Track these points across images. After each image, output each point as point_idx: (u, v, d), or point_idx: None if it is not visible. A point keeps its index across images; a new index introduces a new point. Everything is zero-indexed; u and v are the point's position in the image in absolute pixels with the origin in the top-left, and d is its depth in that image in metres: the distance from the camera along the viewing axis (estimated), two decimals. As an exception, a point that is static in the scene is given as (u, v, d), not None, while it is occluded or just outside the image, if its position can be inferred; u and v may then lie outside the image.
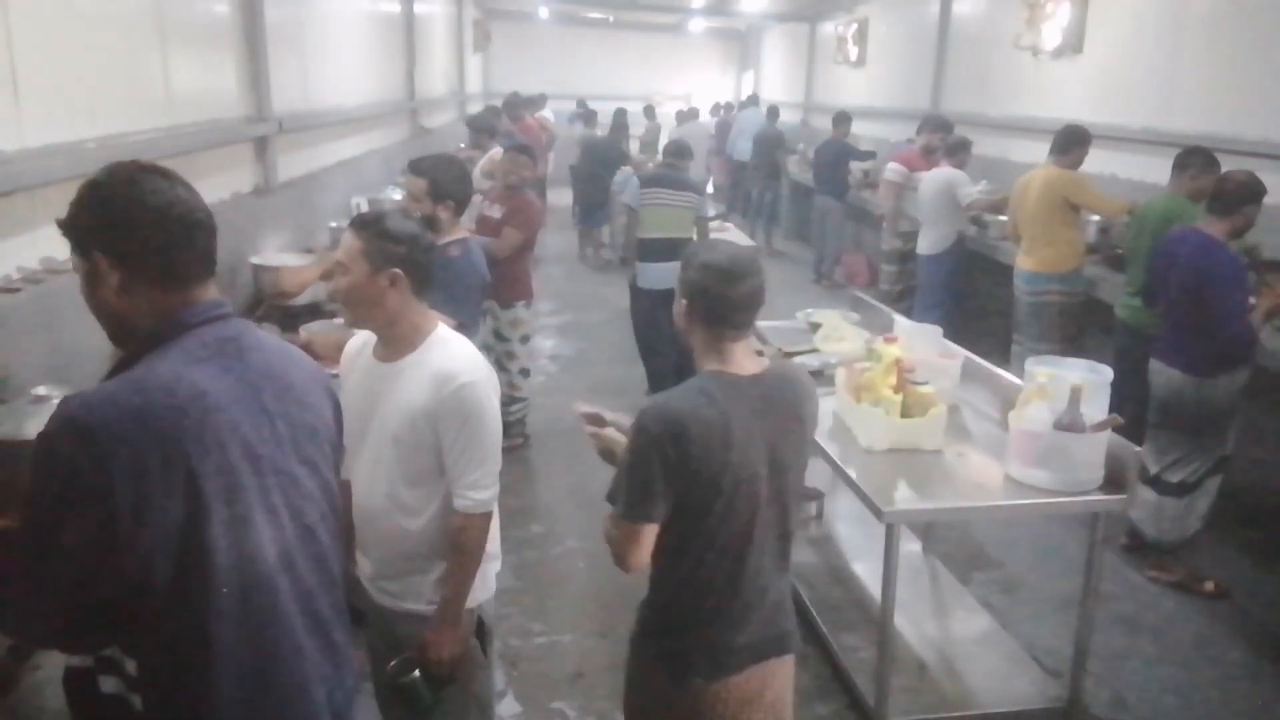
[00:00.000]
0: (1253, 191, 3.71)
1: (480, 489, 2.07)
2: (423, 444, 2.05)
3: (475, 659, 2.19)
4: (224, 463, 1.33)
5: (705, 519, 1.85)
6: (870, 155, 9.34)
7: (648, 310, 5.37)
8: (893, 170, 7.11)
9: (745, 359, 1.94)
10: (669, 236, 5.23)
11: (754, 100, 13.74)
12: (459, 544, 2.06)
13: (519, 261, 4.81)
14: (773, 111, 11.67)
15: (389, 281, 2.03)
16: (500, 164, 4.86)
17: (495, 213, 4.79)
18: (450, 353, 2.08)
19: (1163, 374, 3.81)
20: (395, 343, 2.09)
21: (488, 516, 2.11)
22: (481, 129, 7.31)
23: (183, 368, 1.34)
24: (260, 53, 4.57)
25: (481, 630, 2.20)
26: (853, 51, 11.55)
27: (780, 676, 2.11)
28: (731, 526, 1.87)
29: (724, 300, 1.87)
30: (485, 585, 2.21)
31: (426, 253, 2.12)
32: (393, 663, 2.08)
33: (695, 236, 5.32)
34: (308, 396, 1.53)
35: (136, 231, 1.36)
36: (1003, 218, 5.99)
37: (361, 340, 2.22)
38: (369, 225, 2.06)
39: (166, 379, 1.32)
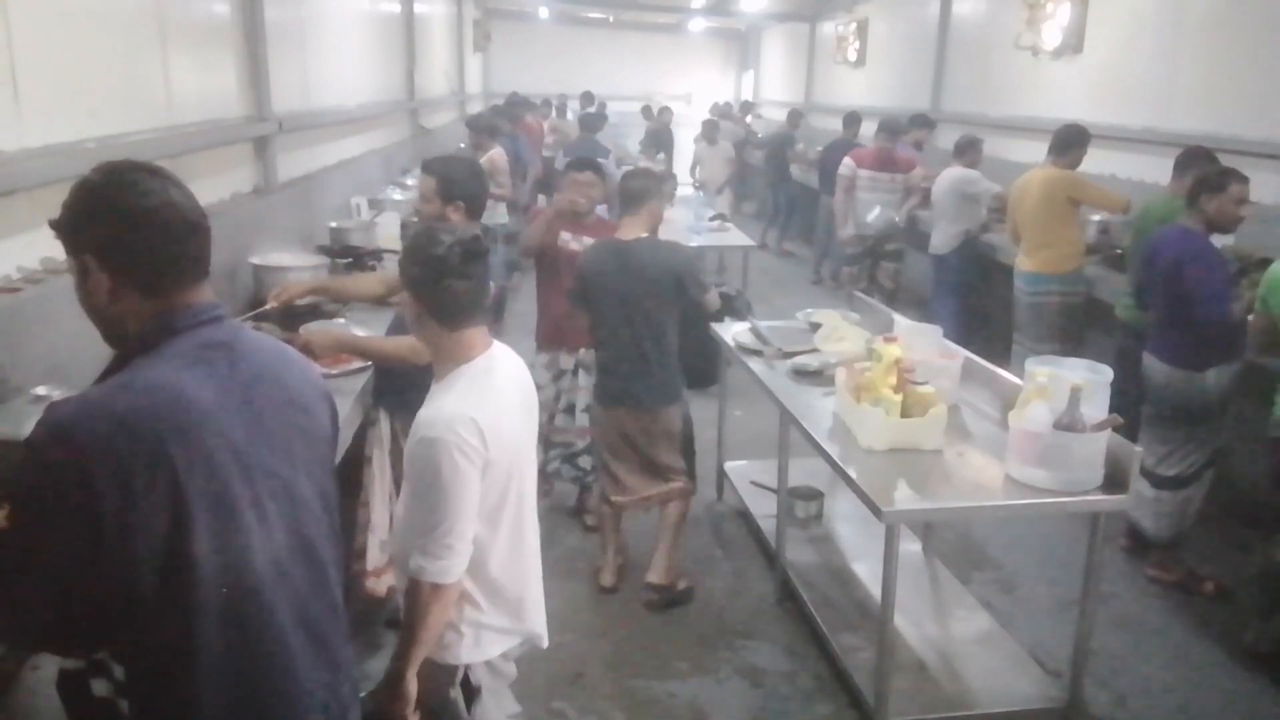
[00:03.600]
0: (1207, 183, 3.71)
1: (431, 556, 1.85)
2: (409, 490, 1.98)
3: (455, 715, 2.05)
4: (211, 470, 1.30)
5: (597, 316, 3.54)
6: None
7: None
8: (844, 165, 7.19)
9: (632, 232, 3.53)
10: None
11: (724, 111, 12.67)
12: (405, 608, 1.91)
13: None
14: (794, 116, 11.69)
15: (415, 311, 1.97)
16: (567, 190, 4.19)
17: None
18: (443, 399, 1.92)
19: (1153, 368, 3.82)
20: (437, 372, 2.03)
21: (437, 589, 1.87)
22: (481, 129, 7.30)
23: (170, 373, 1.31)
24: (260, 53, 4.57)
25: (468, 689, 2.06)
26: (853, 51, 11.56)
27: (631, 421, 3.58)
28: (608, 320, 3.50)
29: (627, 191, 3.62)
30: (478, 647, 2.04)
31: (446, 276, 1.92)
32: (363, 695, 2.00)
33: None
34: (303, 400, 1.50)
35: (127, 234, 1.33)
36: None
37: None
38: (404, 249, 2.00)
39: (152, 385, 1.29)
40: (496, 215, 7.01)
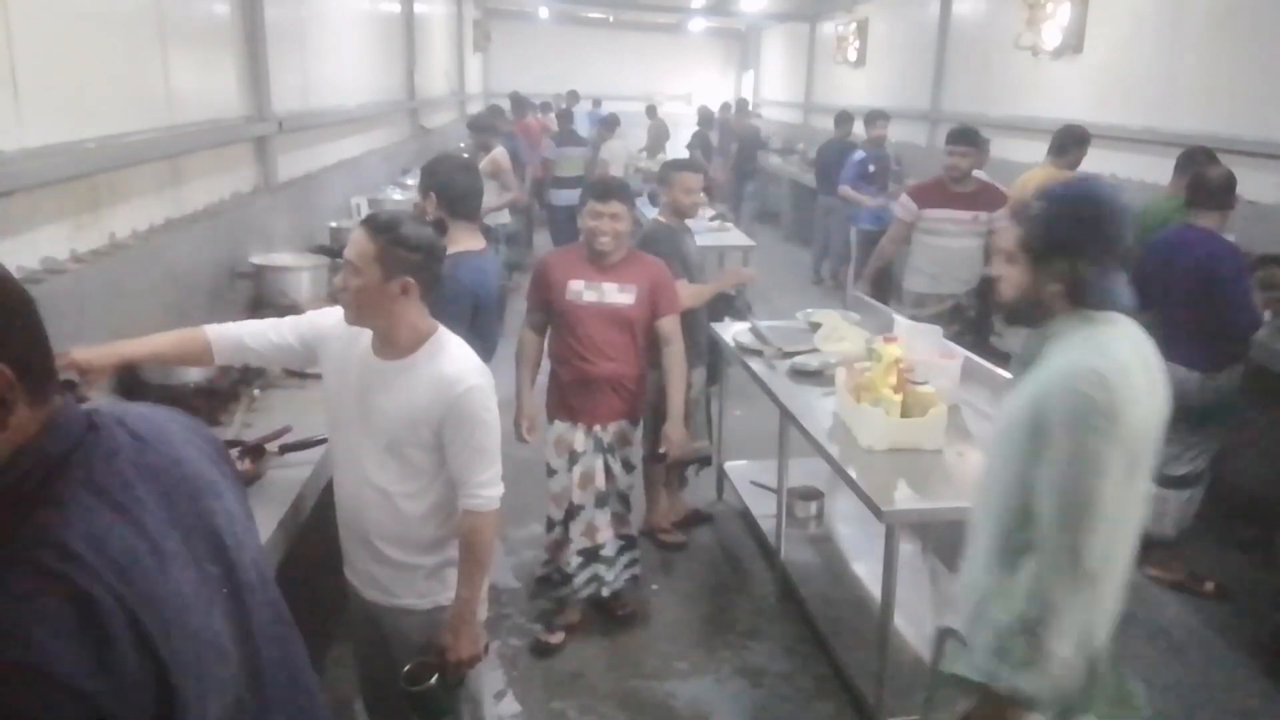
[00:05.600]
0: (1233, 183, 3.77)
1: (490, 486, 2.09)
2: (420, 444, 2.07)
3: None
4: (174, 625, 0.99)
5: None
6: None
7: (563, 215, 8.66)
8: (901, 206, 5.14)
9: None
10: (572, 175, 8.82)
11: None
12: (471, 543, 2.08)
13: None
14: (743, 106, 12.26)
15: (400, 289, 2.01)
16: (584, 220, 3.33)
17: (626, 297, 3.27)
18: (452, 357, 2.09)
19: (1168, 371, 3.78)
20: (394, 343, 2.09)
21: (497, 514, 2.13)
22: (484, 129, 7.30)
23: (96, 526, 0.97)
24: (260, 53, 4.57)
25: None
26: (853, 51, 11.56)
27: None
28: None
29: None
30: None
31: (440, 261, 2.12)
32: (406, 668, 2.04)
33: (582, 172, 8.76)
34: (200, 477, 1.17)
35: (14, 320, 1.01)
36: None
37: (345, 325, 2.13)
38: (385, 230, 2.02)
39: (76, 549, 0.93)
40: (500, 215, 7.01)
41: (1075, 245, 1.71)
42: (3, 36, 2.54)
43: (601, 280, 3.27)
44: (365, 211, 5.71)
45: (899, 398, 2.95)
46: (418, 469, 2.09)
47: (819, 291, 9.06)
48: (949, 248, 4.89)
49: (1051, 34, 6.78)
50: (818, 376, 3.60)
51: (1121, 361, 1.67)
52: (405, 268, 2.01)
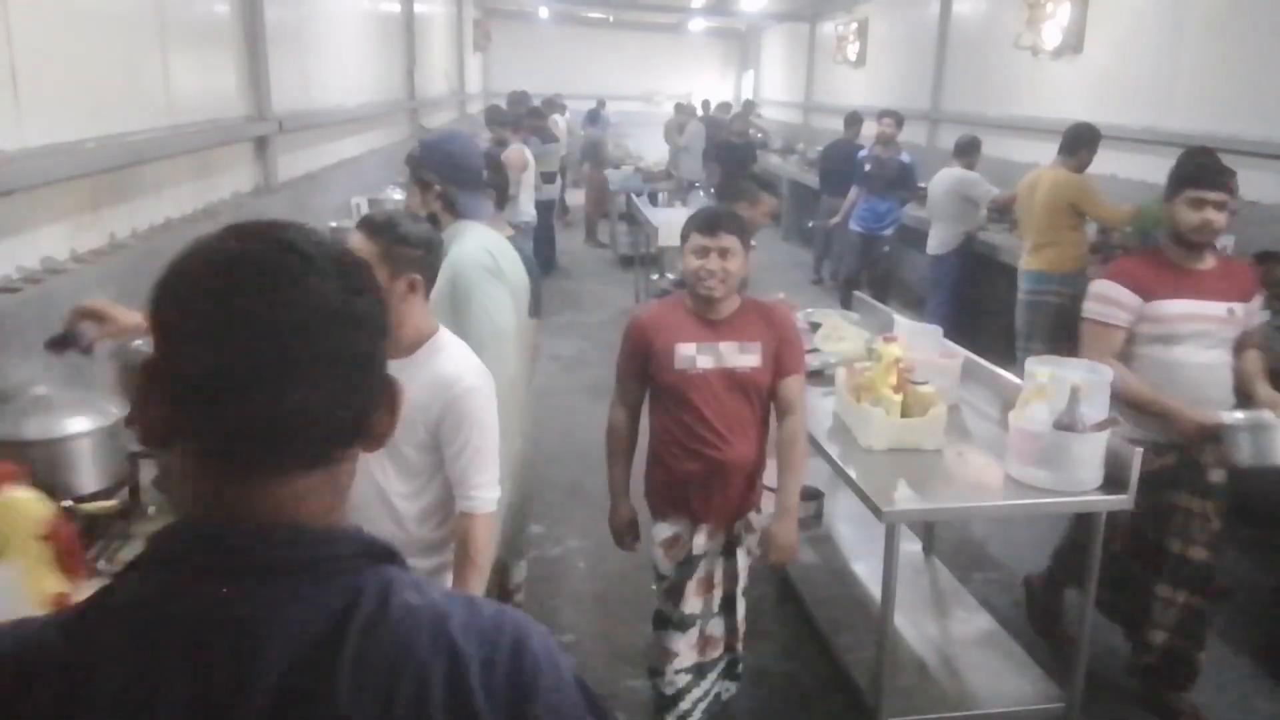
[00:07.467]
0: None
1: (488, 488, 2.10)
2: (417, 443, 2.08)
3: None
4: None
5: None
6: None
7: (545, 209, 8.38)
8: (1101, 294, 3.01)
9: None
10: (548, 170, 8.67)
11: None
12: (468, 545, 2.08)
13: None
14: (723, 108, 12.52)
15: (408, 286, 2.03)
16: (686, 259, 2.59)
17: (749, 358, 2.58)
18: (452, 356, 2.10)
19: None
20: (397, 343, 2.08)
21: (494, 516, 2.13)
22: (504, 124, 7.34)
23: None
24: (260, 53, 4.57)
25: None
26: (852, 51, 11.57)
27: None
28: None
29: None
30: None
31: (439, 256, 2.17)
32: None
33: (556, 168, 9.07)
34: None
35: None
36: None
37: None
38: (385, 229, 2.04)
39: None
40: (529, 211, 7.07)
41: (440, 176, 2.72)
42: (3, 36, 2.54)
43: (717, 340, 2.56)
44: (365, 211, 5.73)
45: (899, 398, 2.95)
46: (415, 469, 2.10)
47: (819, 291, 9.06)
48: (1192, 364, 2.91)
49: (1051, 34, 6.79)
50: (818, 376, 3.60)
51: (490, 242, 2.72)
52: (410, 265, 2.03)
